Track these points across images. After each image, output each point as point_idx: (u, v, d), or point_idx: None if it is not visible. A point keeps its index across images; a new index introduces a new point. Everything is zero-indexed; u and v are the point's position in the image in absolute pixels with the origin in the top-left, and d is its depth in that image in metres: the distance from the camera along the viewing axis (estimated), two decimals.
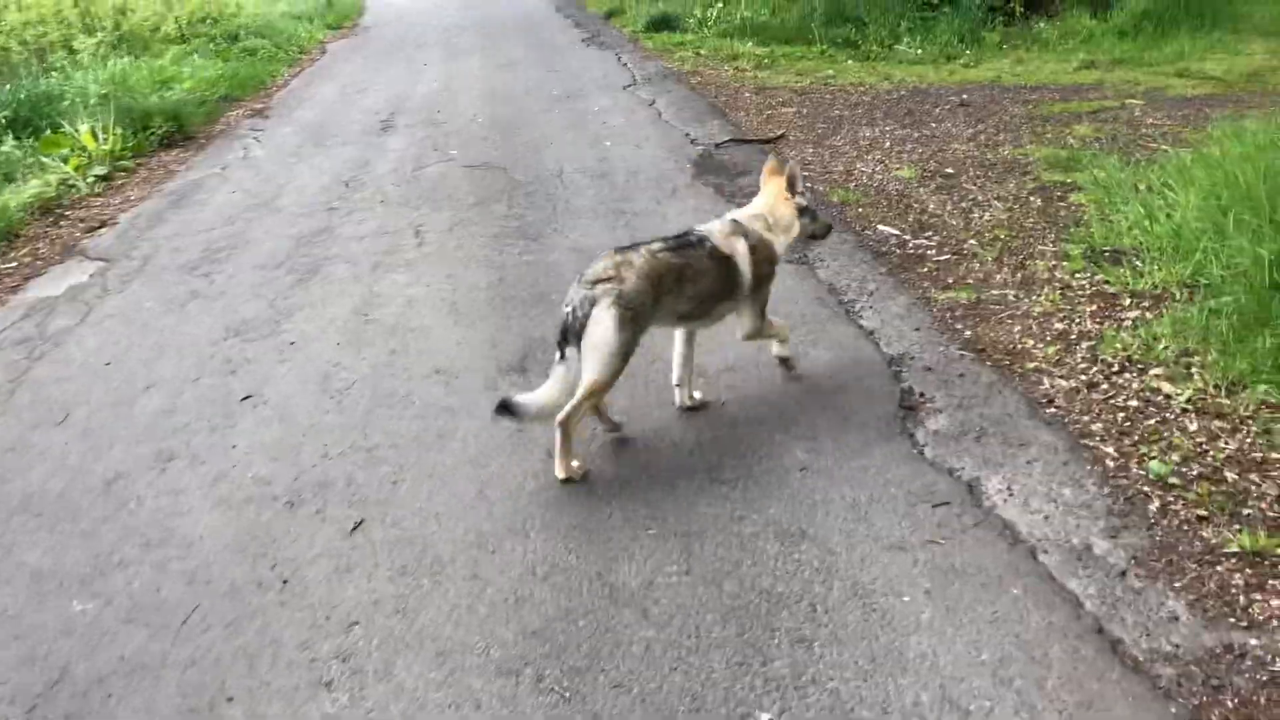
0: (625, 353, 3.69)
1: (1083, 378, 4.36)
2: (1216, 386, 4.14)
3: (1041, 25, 13.79)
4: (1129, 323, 4.85)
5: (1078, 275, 5.51)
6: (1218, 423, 3.90)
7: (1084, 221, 6.32)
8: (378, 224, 7.07)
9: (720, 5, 15.16)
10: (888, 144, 8.65)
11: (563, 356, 3.68)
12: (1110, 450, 3.76)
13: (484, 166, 8.37)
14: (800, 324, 5.01)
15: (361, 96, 11.73)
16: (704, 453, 3.90)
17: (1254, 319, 4.43)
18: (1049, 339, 4.77)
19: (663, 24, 15.01)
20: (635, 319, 3.66)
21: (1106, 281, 5.36)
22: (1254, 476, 3.54)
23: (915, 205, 6.90)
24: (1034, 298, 5.27)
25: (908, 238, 6.25)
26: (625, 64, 12.90)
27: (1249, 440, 3.76)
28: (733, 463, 3.81)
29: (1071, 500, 3.45)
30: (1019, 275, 5.61)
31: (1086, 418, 4.01)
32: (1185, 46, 12.48)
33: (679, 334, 4.20)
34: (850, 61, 12.60)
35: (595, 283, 3.66)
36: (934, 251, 6.03)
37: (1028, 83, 11.14)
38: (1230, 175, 5.78)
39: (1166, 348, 4.50)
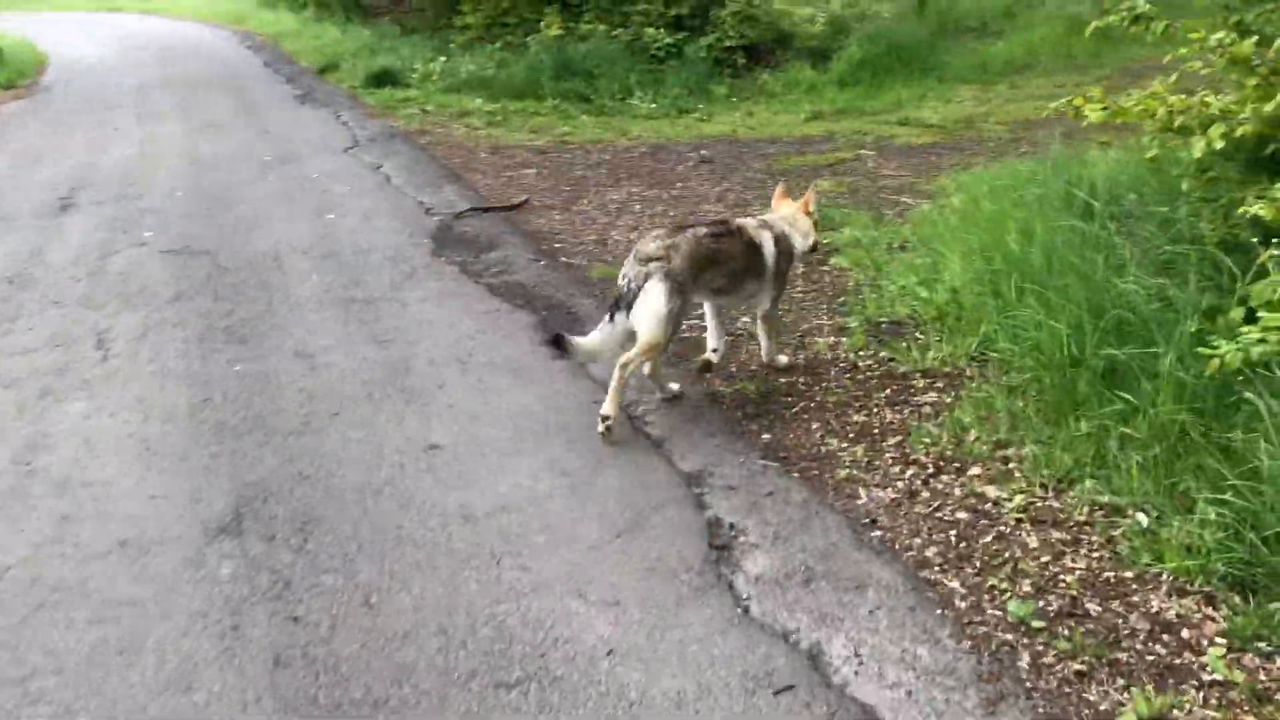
0: (674, 319, 4.30)
1: (900, 484, 3.85)
2: (1043, 486, 3.73)
3: (765, 77, 13.88)
4: (929, 409, 4.43)
5: (862, 354, 5.09)
6: (1056, 534, 3.46)
7: (853, 289, 5.98)
8: (49, 333, 5.68)
9: (443, 59, 14.36)
10: (637, 207, 8.14)
11: (611, 320, 4.32)
12: (956, 585, 3.23)
13: (185, 251, 7.08)
14: (578, 439, 4.28)
15: (36, 169, 9.98)
16: (486, 643, 3.06)
17: (1061, 401, 4.10)
18: (852, 436, 4.27)
19: (384, 79, 13.96)
20: (680, 290, 4.27)
21: (893, 359, 4.97)
22: (1116, 605, 3.09)
23: None
24: (824, 384, 4.78)
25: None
26: (345, 123, 11.81)
27: (1095, 555, 3.34)
28: (522, 653, 2.99)
29: (931, 664, 2.87)
30: (802, 356, 5.13)
31: (918, 540, 3.49)
32: (902, 94, 12.84)
33: (709, 307, 4.91)
34: (585, 116, 12.13)
35: (648, 260, 4.28)
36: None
37: (763, 135, 11.02)
38: (996, 237, 5.58)
39: (978, 439, 4.08)
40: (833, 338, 5.33)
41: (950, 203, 7.21)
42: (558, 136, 11.02)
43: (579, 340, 4.32)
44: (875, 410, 4.48)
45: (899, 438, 4.21)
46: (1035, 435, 4.00)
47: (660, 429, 4.37)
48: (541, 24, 14.93)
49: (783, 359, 5.02)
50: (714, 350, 4.86)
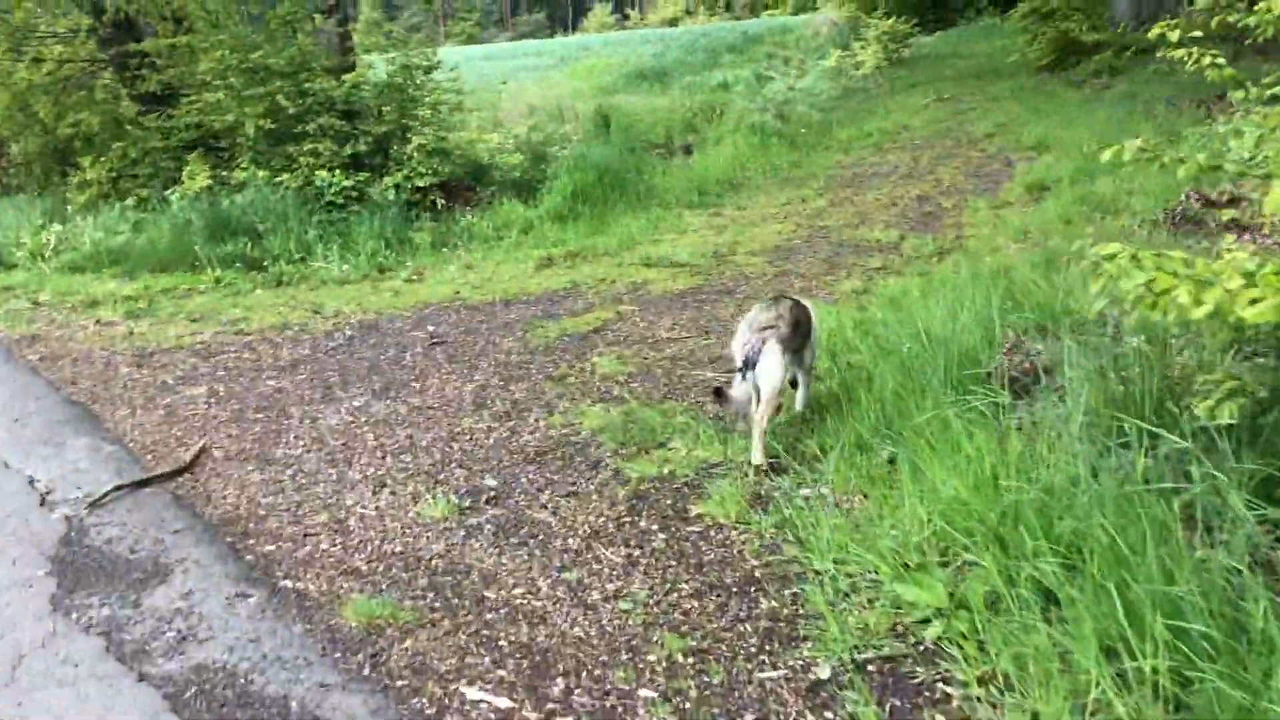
0: (786, 375, 4.95)
1: None
2: None
3: (471, 218, 11.65)
4: None
5: None
6: None
7: (777, 589, 3.77)
8: None
9: (59, 227, 11.01)
10: (370, 439, 5.57)
11: (744, 377, 4.90)
12: None
13: None
14: None
15: None
16: None
17: None
18: None
19: None
20: (787, 351, 4.90)
21: None
22: None
23: (500, 600, 3.88)
24: None
25: (527, 713, 3.20)
26: None
27: None
28: None
29: None
30: None
31: None
32: (631, 227, 11.05)
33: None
34: (260, 291, 9.32)
35: (764, 328, 4.96)
36: None
37: (495, 296, 8.74)
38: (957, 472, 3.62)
39: None
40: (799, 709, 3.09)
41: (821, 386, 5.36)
42: (229, 325, 8.14)
43: (732, 391, 5.02)
44: None
45: None
46: None
47: None
48: (184, 174, 11.94)
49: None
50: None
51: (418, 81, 12.84)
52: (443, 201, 11.94)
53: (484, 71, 27.32)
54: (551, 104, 20.93)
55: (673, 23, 78.38)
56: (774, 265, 9.21)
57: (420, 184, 11.72)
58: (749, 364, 4.88)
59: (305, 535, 4.43)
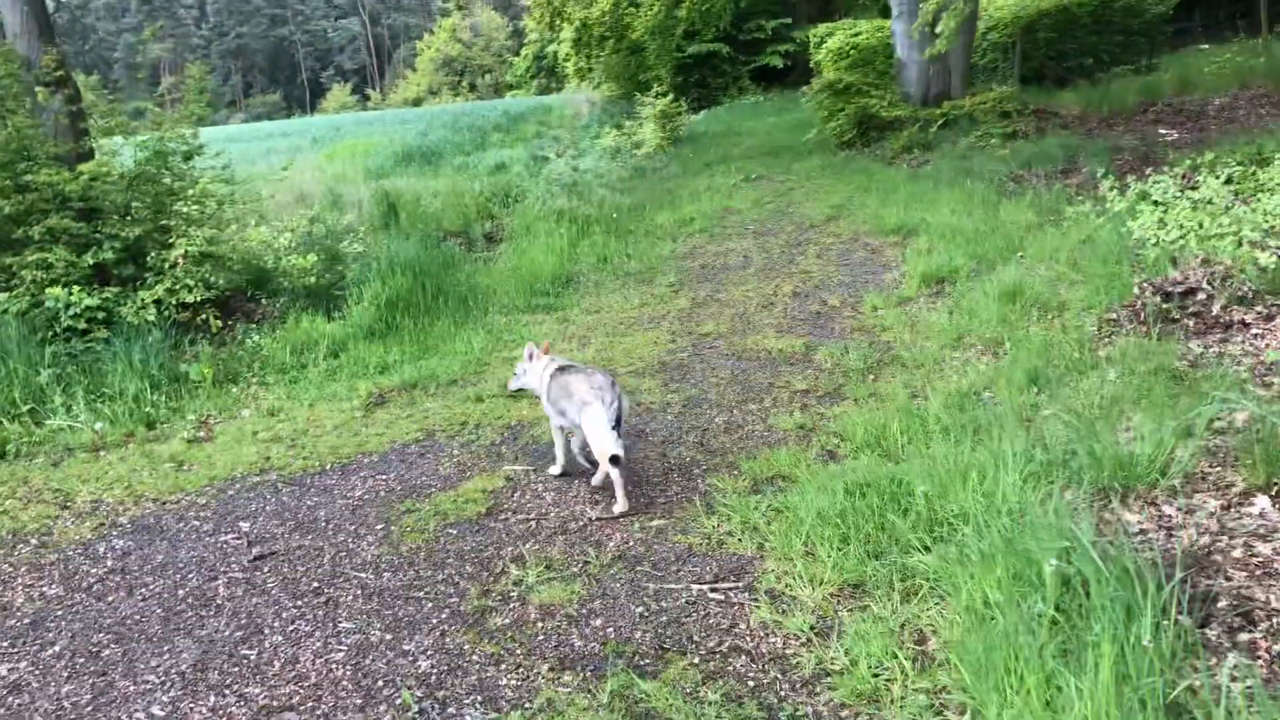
0: None
1: None
2: None
3: (257, 338, 9.04)
4: None
5: None
6: None
7: None
8: None
9: None
10: None
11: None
12: None
13: None
14: None
15: None
16: None
17: None
18: None
19: None
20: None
21: None
22: None
23: None
24: None
25: None
26: None
27: None
28: None
29: None
30: None
31: None
32: (471, 343, 8.84)
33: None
34: None
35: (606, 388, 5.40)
36: None
37: (322, 460, 6.30)
38: None
39: None
40: None
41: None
42: None
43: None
44: None
45: None
46: None
47: None
48: None
49: None
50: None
51: (176, 170, 10.13)
52: (218, 321, 9.26)
53: (232, 156, 24.12)
54: (321, 190, 18.29)
55: (416, 103, 76.23)
56: (673, 391, 7.29)
57: (189, 299, 9.01)
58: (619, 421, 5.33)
59: None
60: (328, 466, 6.22)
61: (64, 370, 7.88)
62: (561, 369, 5.74)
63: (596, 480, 5.66)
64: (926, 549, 4.33)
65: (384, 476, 6.01)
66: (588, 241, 13.02)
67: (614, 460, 5.19)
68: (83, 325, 8.54)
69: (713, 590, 4.37)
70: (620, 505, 5.25)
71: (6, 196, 8.81)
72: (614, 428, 5.23)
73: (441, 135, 30.40)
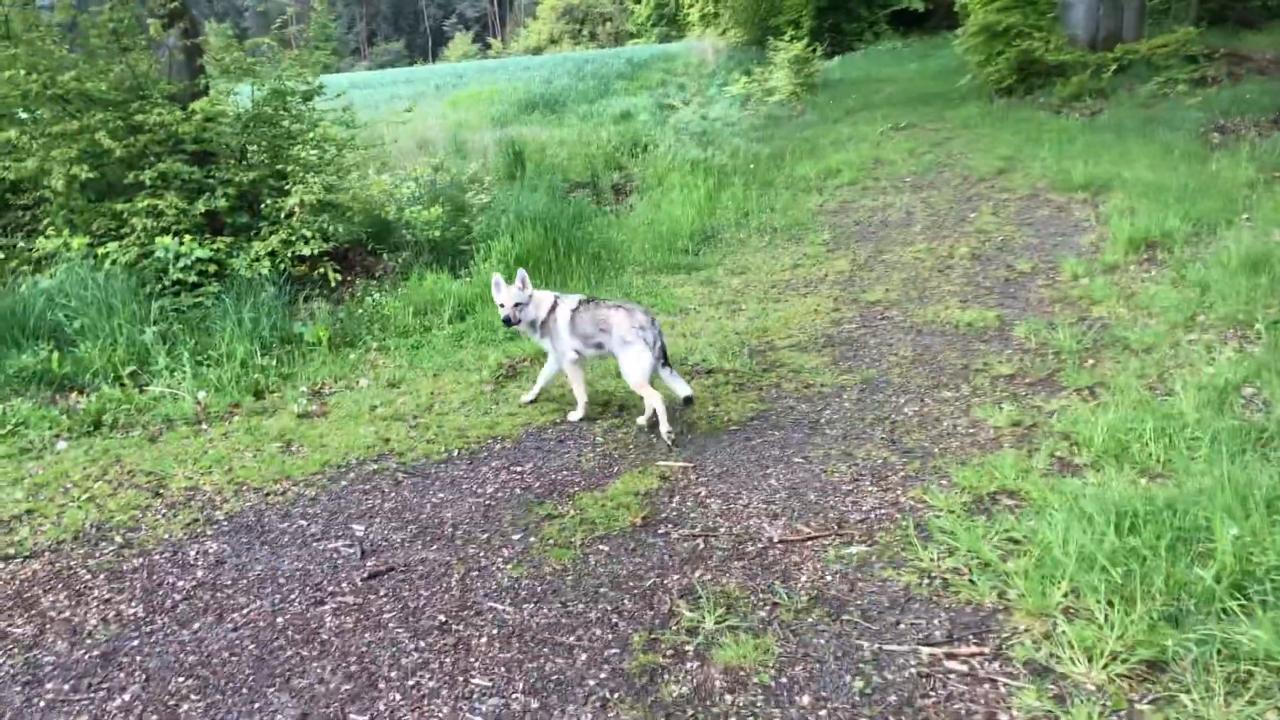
0: None
1: None
2: None
3: (378, 296, 8.19)
4: None
5: None
6: None
7: None
8: None
9: None
10: None
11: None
12: None
13: None
14: None
15: None
16: None
17: None
18: None
19: None
20: None
21: None
22: None
23: None
24: None
25: None
26: None
27: None
28: None
29: None
30: None
31: None
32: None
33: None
34: (65, 443, 5.61)
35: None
36: None
37: (447, 444, 5.41)
38: None
39: None
40: None
41: None
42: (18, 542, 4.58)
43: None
44: None
45: None
46: None
47: None
48: None
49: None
50: None
51: (294, 112, 9.35)
52: (337, 275, 8.48)
53: (355, 101, 23.61)
54: (444, 138, 17.49)
55: (536, 51, 75.33)
56: (845, 370, 6.19)
57: (304, 252, 8.24)
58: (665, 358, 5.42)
59: None
60: (454, 453, 5.32)
61: (170, 327, 7.19)
62: (586, 302, 5.63)
63: (645, 421, 5.58)
64: (1247, 615, 3.18)
65: (519, 468, 5.08)
66: (727, 193, 11.87)
67: (687, 401, 5.34)
68: (193, 278, 7.84)
69: (949, 656, 3.30)
70: (665, 427, 5.28)
71: (118, 139, 8.13)
72: (664, 365, 5.35)
73: (565, 83, 29.38)
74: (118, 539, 4.43)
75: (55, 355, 6.68)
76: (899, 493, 4.57)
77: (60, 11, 9.12)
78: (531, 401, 6.02)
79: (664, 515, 4.46)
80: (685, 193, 11.89)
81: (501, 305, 5.63)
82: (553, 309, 5.68)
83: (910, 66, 24.69)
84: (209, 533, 4.47)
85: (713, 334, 7.12)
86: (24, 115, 8.36)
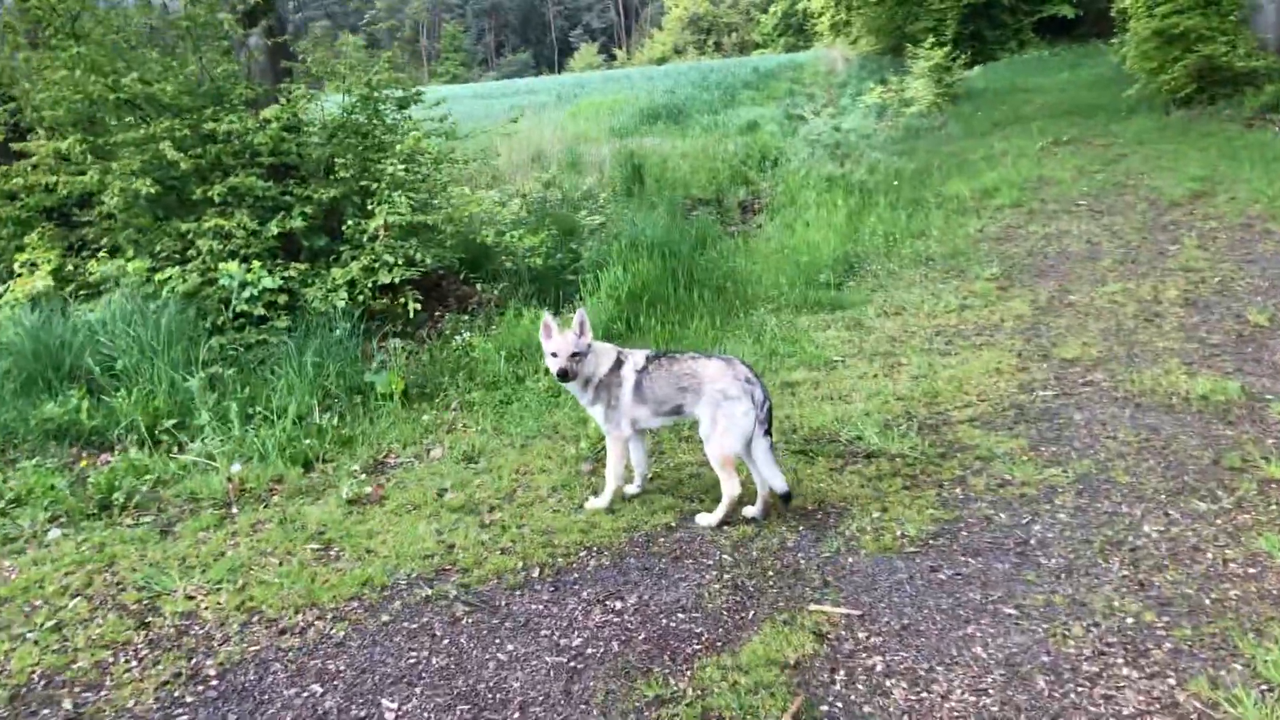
0: None
1: None
2: None
3: (467, 335, 6.93)
4: None
5: None
6: None
7: None
8: None
9: None
10: None
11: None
12: None
13: None
14: None
15: None
16: None
17: None
18: None
19: None
20: None
21: None
22: None
23: None
24: None
25: None
26: None
27: None
28: None
29: None
30: None
31: None
32: (728, 352, 6.42)
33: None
34: (58, 530, 4.46)
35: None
36: None
37: (533, 556, 4.06)
38: None
39: None
40: None
41: None
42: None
43: None
44: None
45: None
46: None
47: None
48: (16, 263, 7.28)
49: None
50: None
51: (388, 121, 8.18)
52: (418, 304, 7.25)
53: (472, 112, 22.72)
54: (560, 150, 16.32)
55: (660, 61, 74.32)
56: (1050, 461, 4.62)
57: (387, 280, 7.04)
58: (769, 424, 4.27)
59: None
60: (535, 572, 3.96)
61: (223, 371, 6.07)
62: (657, 358, 4.51)
63: (755, 512, 4.35)
64: None
65: (618, 603, 3.69)
66: (872, 215, 10.30)
67: (785, 498, 4.21)
68: (259, 311, 6.72)
69: None
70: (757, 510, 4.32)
71: (185, 149, 7.09)
72: (765, 433, 4.19)
73: (689, 93, 28.04)
74: (66, 704, 3.20)
75: (85, 405, 5.60)
76: (1171, 682, 3.04)
77: (140, 11, 8.20)
78: (607, 508, 4.51)
79: (824, 709, 3.01)
80: (822, 212, 10.37)
81: (554, 355, 4.43)
82: (616, 367, 4.48)
83: (1060, 76, 22.50)
84: (188, 700, 3.19)
85: (868, 398, 5.61)
86: (77, 123, 7.38)
